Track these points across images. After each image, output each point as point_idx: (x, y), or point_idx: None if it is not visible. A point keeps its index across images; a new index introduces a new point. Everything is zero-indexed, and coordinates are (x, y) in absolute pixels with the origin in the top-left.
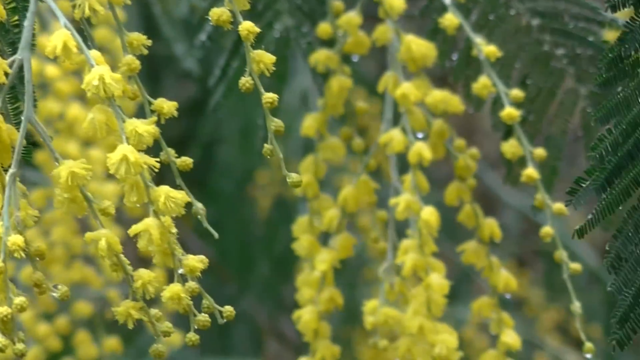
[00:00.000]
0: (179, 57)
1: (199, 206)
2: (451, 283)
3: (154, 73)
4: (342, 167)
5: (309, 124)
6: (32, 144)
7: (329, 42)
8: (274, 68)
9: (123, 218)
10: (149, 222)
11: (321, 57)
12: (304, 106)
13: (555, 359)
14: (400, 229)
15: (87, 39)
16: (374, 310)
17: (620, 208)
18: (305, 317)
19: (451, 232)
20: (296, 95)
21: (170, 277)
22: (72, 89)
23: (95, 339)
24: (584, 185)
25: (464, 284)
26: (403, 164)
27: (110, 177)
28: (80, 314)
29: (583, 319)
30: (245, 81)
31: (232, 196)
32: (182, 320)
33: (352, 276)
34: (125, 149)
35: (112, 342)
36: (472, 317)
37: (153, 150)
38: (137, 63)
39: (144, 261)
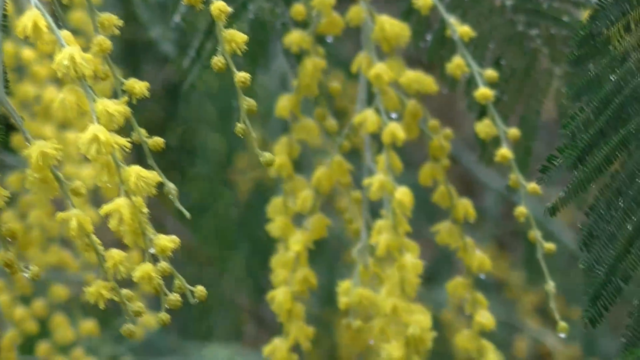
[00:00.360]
0: (156, 41)
1: (170, 186)
2: (431, 265)
3: (135, 58)
4: (323, 150)
5: (283, 104)
6: (6, 125)
7: (303, 23)
8: (246, 48)
9: (103, 201)
10: (120, 202)
11: (295, 38)
12: (283, 89)
13: (534, 341)
14: (377, 210)
15: (59, 20)
16: (347, 290)
17: (593, 186)
18: (279, 297)
19: (431, 214)
20: (276, 78)
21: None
22: (49, 72)
23: (72, 323)
24: (556, 163)
25: (443, 267)
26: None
27: (87, 159)
28: (57, 297)
29: (563, 300)
30: (217, 60)
31: (213, 180)
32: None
33: (332, 258)
34: (95, 129)
35: (89, 326)
36: (448, 297)
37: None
38: (108, 43)
39: (124, 243)
